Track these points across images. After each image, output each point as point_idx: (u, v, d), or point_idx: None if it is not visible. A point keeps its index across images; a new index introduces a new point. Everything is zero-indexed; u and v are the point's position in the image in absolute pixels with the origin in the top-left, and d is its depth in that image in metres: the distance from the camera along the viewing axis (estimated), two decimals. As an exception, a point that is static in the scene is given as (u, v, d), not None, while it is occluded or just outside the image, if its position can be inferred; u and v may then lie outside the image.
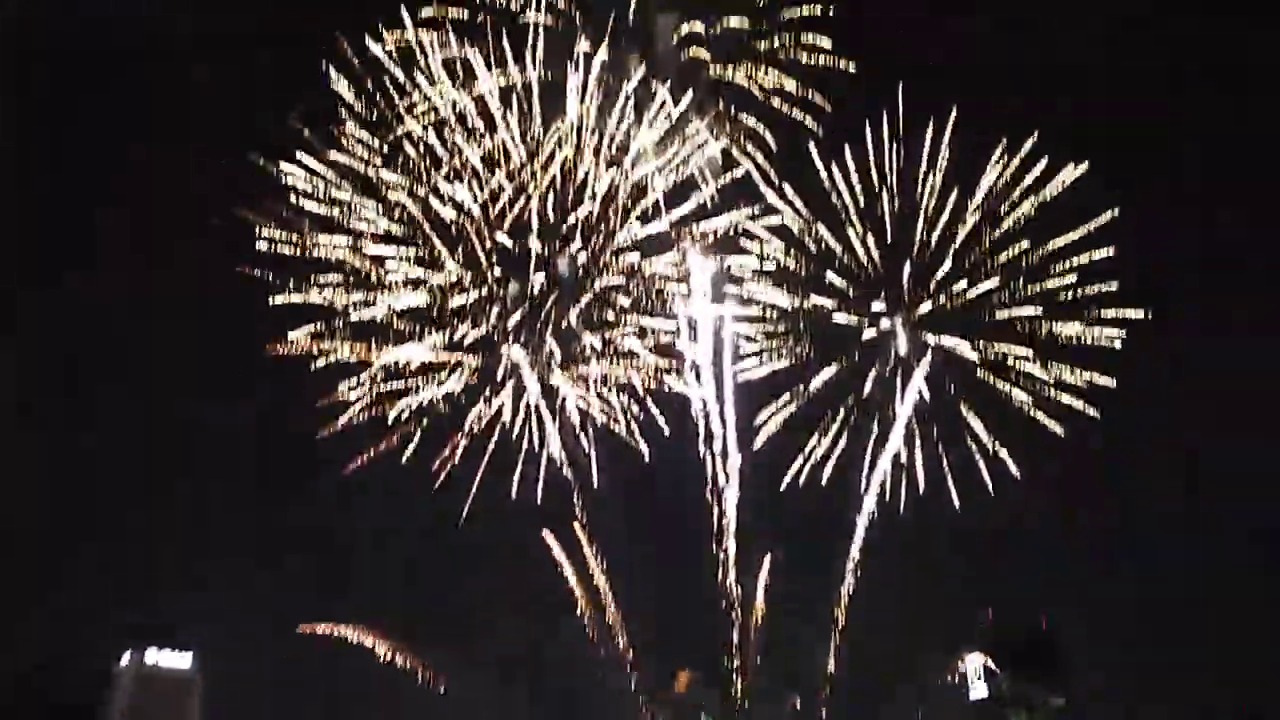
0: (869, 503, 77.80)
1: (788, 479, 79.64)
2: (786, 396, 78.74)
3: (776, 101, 71.02)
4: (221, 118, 75.86)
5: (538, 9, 67.14)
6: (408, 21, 66.76)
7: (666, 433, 77.57)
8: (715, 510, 78.08)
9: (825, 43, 68.92)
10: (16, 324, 79.93)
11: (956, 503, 77.82)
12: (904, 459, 78.24)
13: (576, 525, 78.51)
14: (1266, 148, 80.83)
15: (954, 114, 73.96)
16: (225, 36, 77.36)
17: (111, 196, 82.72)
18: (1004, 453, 76.37)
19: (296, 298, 72.78)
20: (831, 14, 69.22)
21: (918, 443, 77.99)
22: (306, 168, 71.57)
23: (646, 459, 77.42)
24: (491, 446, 74.71)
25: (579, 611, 79.55)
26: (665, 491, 78.42)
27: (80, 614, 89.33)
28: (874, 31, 70.10)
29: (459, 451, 74.94)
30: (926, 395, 77.18)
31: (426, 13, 66.67)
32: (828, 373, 78.85)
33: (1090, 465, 77.29)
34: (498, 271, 73.86)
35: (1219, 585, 76.57)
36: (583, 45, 67.58)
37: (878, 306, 78.34)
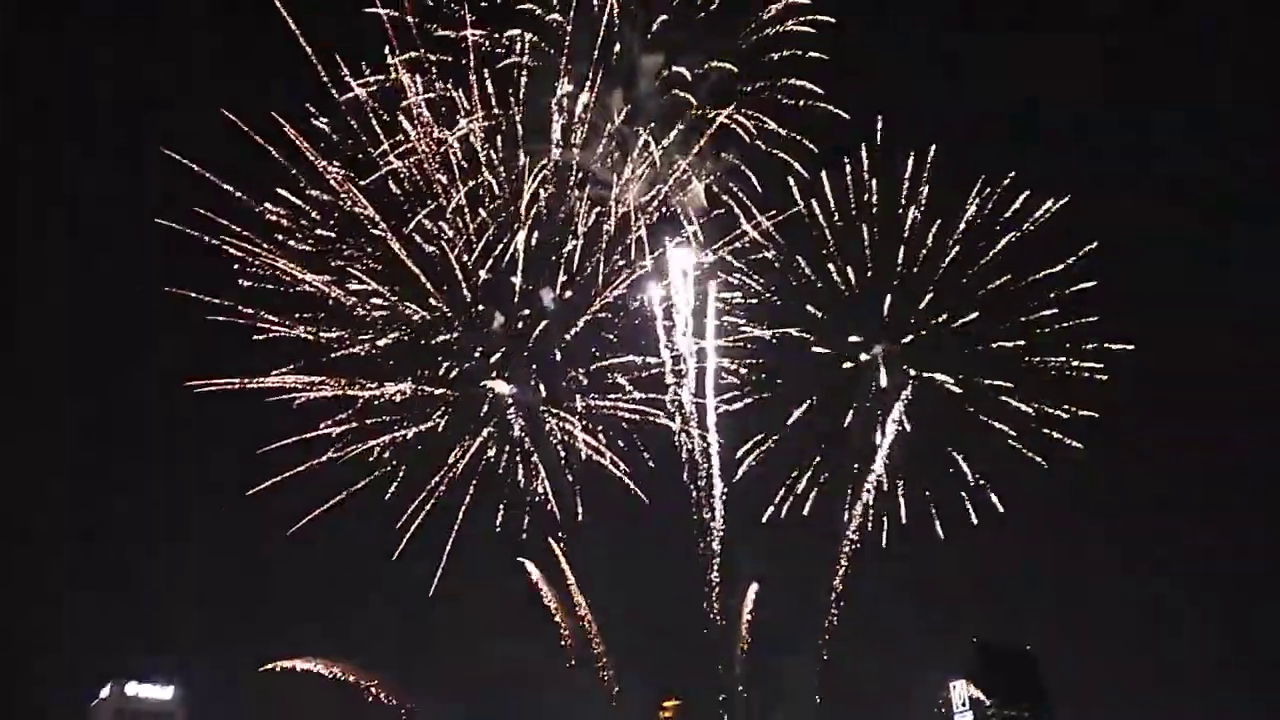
0: (851, 532, 78.38)
1: (770, 510, 79.82)
2: (770, 427, 78.87)
3: (761, 143, 71.35)
4: (204, 150, 75.56)
5: (521, 52, 67.23)
6: (394, 62, 66.71)
7: (651, 464, 77.86)
8: (700, 540, 78.40)
9: (810, 86, 69.27)
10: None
11: (940, 533, 78.42)
12: (885, 488, 78.70)
13: (560, 557, 78.68)
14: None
15: (933, 150, 74.57)
16: (212, 68, 77.36)
17: (89, 224, 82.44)
18: (986, 483, 76.97)
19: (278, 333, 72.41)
20: (814, 55, 69.43)
21: (900, 474, 78.42)
22: (290, 204, 71.63)
23: (631, 490, 77.51)
24: (476, 480, 74.83)
25: (563, 642, 79.46)
26: (650, 523, 78.53)
27: (61, 646, 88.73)
28: (856, 72, 70.44)
29: (442, 487, 74.85)
30: (908, 426, 77.64)
31: (412, 55, 66.52)
32: (809, 404, 79.03)
33: (1073, 494, 77.95)
34: (481, 307, 73.84)
35: (1204, 611, 77.20)
36: (566, 86, 67.75)
37: (859, 338, 78.68)
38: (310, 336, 73.44)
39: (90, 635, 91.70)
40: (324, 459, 73.03)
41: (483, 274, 71.96)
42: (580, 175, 72.25)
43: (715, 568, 78.32)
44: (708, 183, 72.91)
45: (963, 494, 76.61)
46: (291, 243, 70.49)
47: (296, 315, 72.83)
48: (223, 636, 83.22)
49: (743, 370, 76.62)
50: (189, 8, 74.36)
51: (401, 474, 74.93)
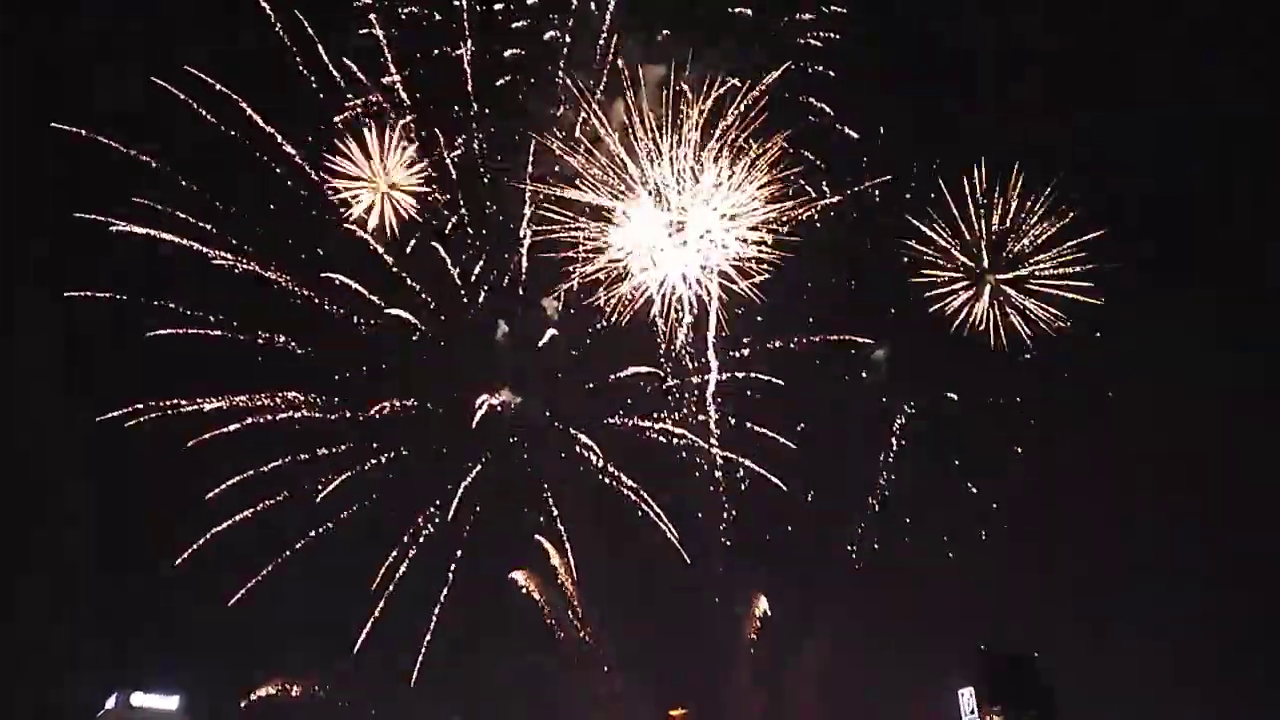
0: (857, 543, 78.21)
1: (777, 520, 79.21)
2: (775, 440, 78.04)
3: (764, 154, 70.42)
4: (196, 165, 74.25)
5: (518, 67, 66.57)
6: (391, 79, 66.13)
7: (658, 478, 77.38)
8: (707, 551, 78.03)
9: (816, 102, 68.50)
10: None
11: (946, 539, 78.05)
12: (891, 499, 78.22)
13: (565, 568, 78.34)
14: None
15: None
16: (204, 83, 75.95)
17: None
18: (991, 496, 76.54)
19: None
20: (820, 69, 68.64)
21: (905, 486, 77.97)
22: (285, 219, 70.68)
23: (639, 505, 77.15)
24: (479, 496, 74.61)
25: (569, 652, 79.19)
26: (657, 535, 77.99)
27: (66, 655, 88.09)
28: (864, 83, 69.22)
29: (447, 501, 74.68)
30: (907, 441, 77.38)
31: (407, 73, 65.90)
32: (814, 416, 78.19)
33: (1080, 501, 77.53)
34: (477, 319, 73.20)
35: (1215, 619, 76.52)
36: (565, 103, 67.22)
37: (861, 350, 77.87)
38: (307, 353, 73.26)
39: (95, 644, 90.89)
40: (326, 478, 73.12)
41: (484, 290, 71.79)
42: (582, 187, 71.49)
43: (723, 578, 78.26)
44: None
45: (968, 505, 76.76)
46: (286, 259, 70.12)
47: (293, 334, 72.77)
48: (229, 647, 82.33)
49: (748, 390, 76.01)
50: (180, 25, 72.48)
51: (405, 489, 75.35)
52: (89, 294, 67.78)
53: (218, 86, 66.38)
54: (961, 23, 76.41)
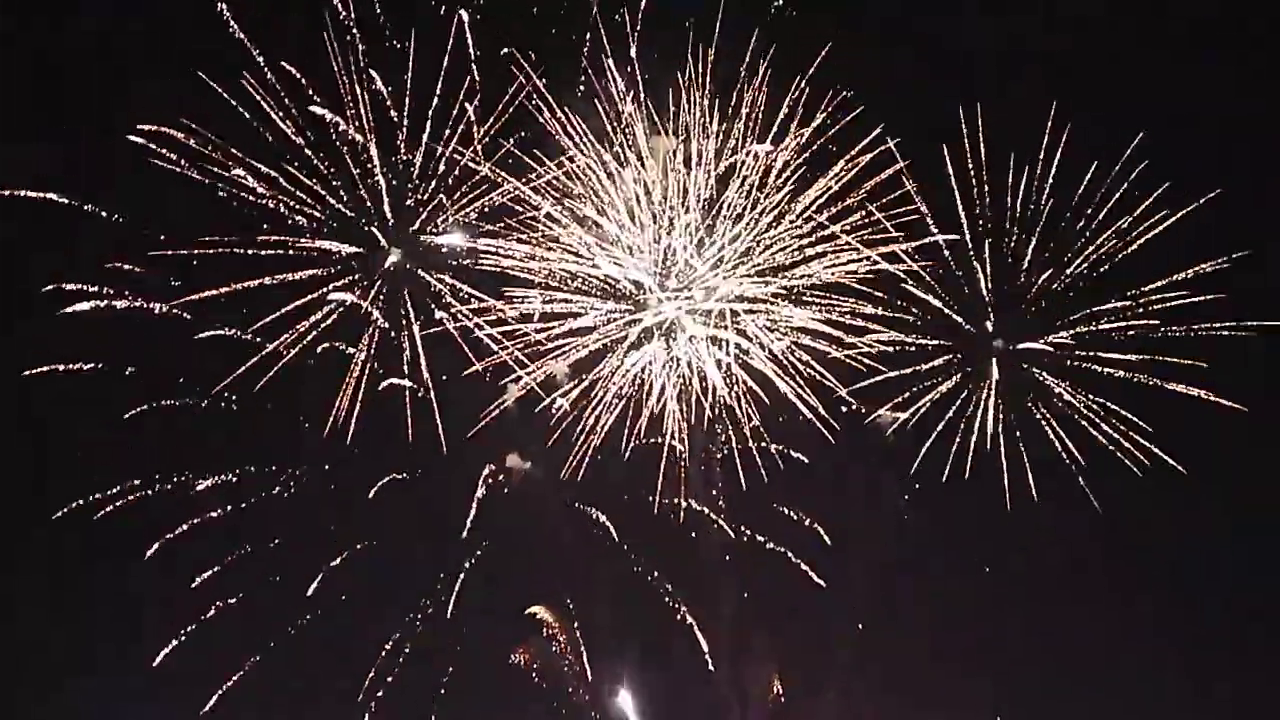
0: (864, 616, 78.10)
1: (785, 590, 78.35)
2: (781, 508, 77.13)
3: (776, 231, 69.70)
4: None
5: (527, 149, 65.39)
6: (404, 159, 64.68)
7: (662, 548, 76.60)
8: (711, 620, 77.44)
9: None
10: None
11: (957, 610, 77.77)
12: (896, 569, 77.90)
13: (574, 648, 77.29)
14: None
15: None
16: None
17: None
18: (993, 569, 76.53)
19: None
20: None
21: (909, 553, 77.61)
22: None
23: (646, 575, 76.31)
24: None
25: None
26: (667, 609, 77.03)
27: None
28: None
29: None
30: (909, 517, 77.02)
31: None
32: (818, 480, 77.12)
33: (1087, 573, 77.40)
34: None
35: (1234, 686, 76.35)
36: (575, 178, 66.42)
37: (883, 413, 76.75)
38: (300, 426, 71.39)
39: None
40: (323, 557, 71.48)
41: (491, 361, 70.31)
42: (588, 257, 70.35)
43: (734, 650, 77.84)
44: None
45: (980, 581, 76.50)
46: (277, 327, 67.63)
47: (285, 406, 70.33)
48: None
49: (758, 466, 74.66)
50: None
51: (408, 565, 73.77)
52: (53, 369, 62.75)
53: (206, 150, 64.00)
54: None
